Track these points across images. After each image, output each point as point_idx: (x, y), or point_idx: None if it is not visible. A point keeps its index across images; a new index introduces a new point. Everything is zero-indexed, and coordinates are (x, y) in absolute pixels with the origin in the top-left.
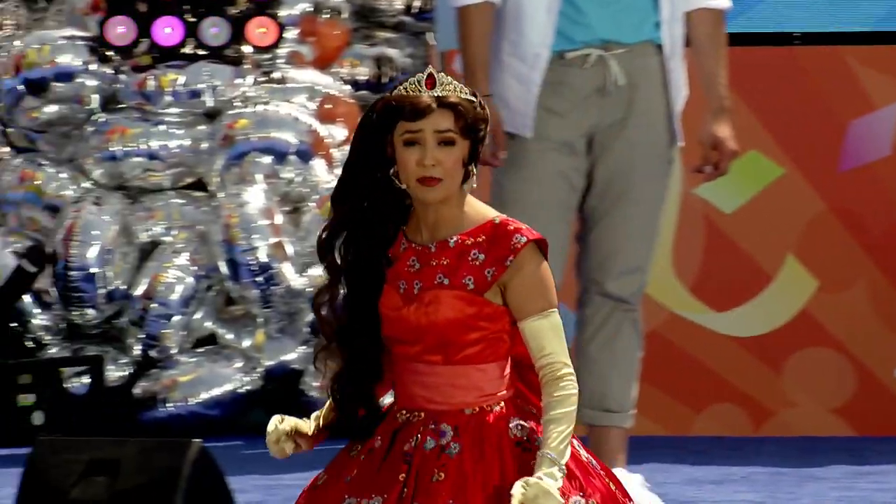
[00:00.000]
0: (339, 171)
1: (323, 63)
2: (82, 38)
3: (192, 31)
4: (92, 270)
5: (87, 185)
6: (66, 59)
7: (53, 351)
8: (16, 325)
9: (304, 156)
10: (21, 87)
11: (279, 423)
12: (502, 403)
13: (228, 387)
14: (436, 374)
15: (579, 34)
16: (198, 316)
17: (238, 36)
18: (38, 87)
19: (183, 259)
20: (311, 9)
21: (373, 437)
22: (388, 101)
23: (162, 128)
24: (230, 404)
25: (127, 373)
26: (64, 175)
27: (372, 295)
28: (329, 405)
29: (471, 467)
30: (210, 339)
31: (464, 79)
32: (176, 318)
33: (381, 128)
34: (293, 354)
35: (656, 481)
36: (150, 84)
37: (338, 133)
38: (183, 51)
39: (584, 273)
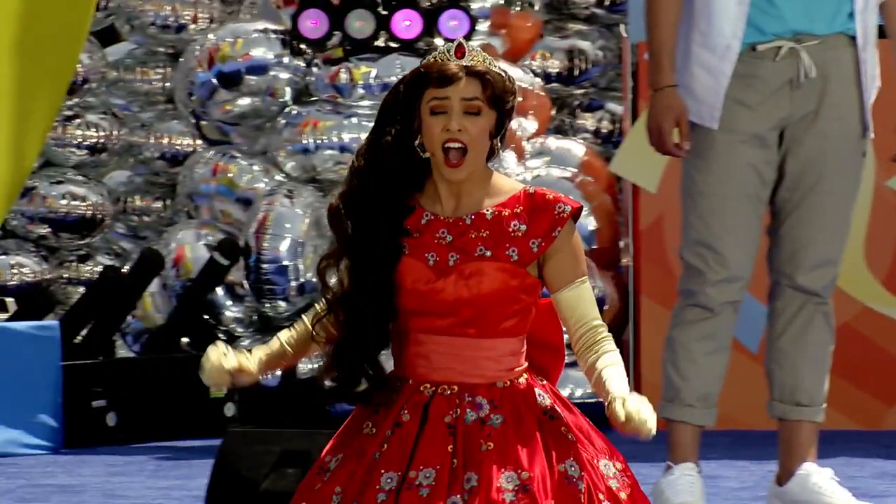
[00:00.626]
0: (530, 163)
1: (514, 55)
2: (275, 32)
3: (383, 24)
4: (284, 263)
5: (279, 177)
6: (259, 53)
7: (245, 343)
8: (208, 317)
9: None
10: (214, 81)
11: (223, 357)
12: (525, 375)
13: None
14: (470, 346)
15: (771, 26)
16: None
17: (430, 28)
18: (231, 81)
19: None
20: (503, 1)
21: (378, 406)
22: (417, 69)
23: (354, 120)
24: None
25: (317, 364)
26: (256, 168)
27: (386, 265)
28: (277, 349)
29: (514, 437)
30: None
31: (649, 67)
32: None
33: (409, 95)
34: None
35: (846, 475)
36: (342, 77)
37: (529, 125)
38: (375, 43)
39: (774, 266)
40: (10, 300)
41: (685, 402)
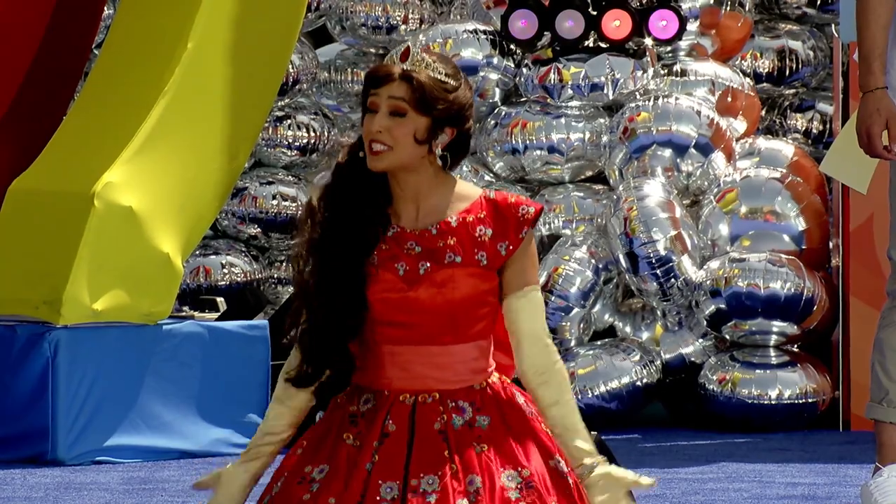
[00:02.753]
0: (739, 164)
1: (724, 55)
2: (485, 32)
3: (593, 24)
4: None
5: (488, 177)
6: (469, 53)
7: None
8: None
9: (705, 149)
10: None
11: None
12: (496, 374)
13: (626, 379)
14: (447, 353)
15: None
16: (596, 309)
17: (639, 29)
18: None
19: (582, 252)
20: (713, 1)
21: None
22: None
23: (562, 121)
24: (628, 397)
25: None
26: (466, 167)
27: (354, 265)
28: (247, 465)
29: (505, 436)
30: (608, 332)
31: (859, 69)
32: (575, 311)
33: (362, 98)
34: (691, 347)
35: None
36: (552, 77)
37: (738, 126)
38: (584, 44)
39: None
40: (220, 300)
41: (894, 403)
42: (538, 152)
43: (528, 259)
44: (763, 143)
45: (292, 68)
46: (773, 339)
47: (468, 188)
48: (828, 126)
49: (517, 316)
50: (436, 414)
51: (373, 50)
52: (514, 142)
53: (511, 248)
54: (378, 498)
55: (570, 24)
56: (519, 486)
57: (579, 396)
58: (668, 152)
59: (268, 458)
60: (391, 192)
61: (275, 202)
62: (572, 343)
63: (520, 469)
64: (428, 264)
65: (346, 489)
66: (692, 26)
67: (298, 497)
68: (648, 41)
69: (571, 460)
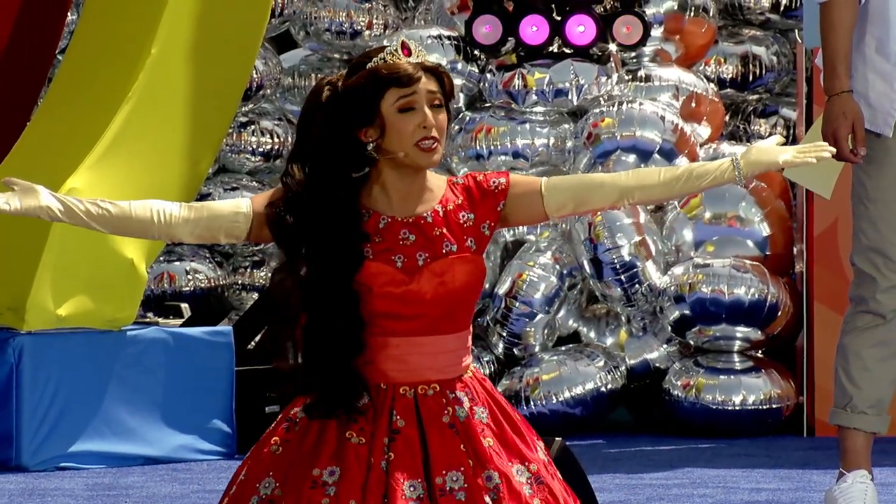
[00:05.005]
0: None
1: (688, 61)
2: (449, 38)
3: (557, 30)
4: None
5: None
6: (434, 58)
7: None
8: None
9: (669, 154)
10: None
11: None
12: (471, 360)
13: (590, 385)
14: (443, 343)
15: None
16: (561, 314)
17: (603, 34)
18: None
19: (546, 257)
20: (677, 7)
21: (361, 416)
22: (374, 71)
23: (527, 126)
24: (592, 403)
25: (490, 371)
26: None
27: (350, 273)
28: (83, 210)
29: (505, 428)
30: (573, 338)
31: (823, 72)
32: (539, 317)
33: (367, 99)
34: (655, 353)
35: None
36: (516, 83)
37: (702, 131)
38: (549, 49)
39: None
40: (184, 306)
41: (857, 409)
42: (502, 158)
43: (520, 185)
44: (727, 148)
45: (256, 74)
46: (738, 344)
47: (438, 177)
48: (791, 131)
49: (571, 194)
50: (440, 406)
51: (337, 55)
52: (478, 147)
53: (492, 224)
54: (404, 497)
55: (534, 29)
56: (529, 481)
57: (543, 402)
58: (632, 157)
59: (79, 217)
60: (380, 185)
61: None
62: (536, 349)
63: (527, 464)
64: (426, 254)
65: (366, 491)
66: (656, 32)
67: (317, 502)
68: (613, 47)
69: (718, 170)
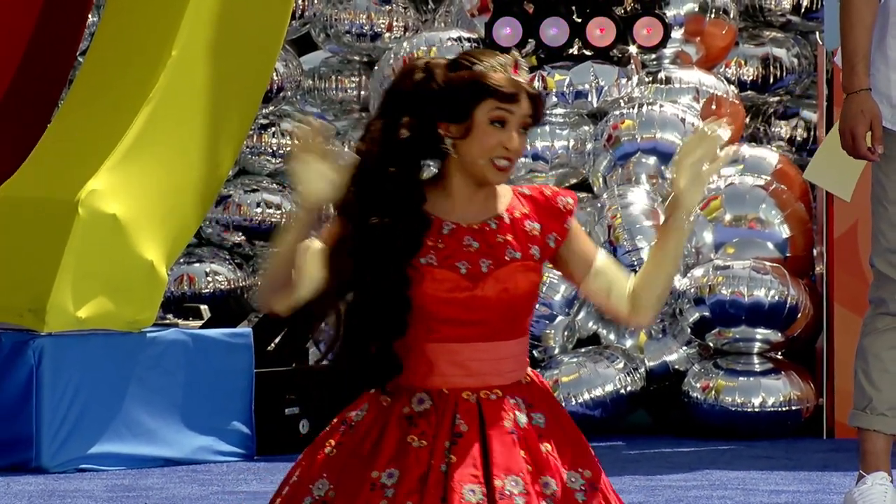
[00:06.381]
0: (723, 171)
1: (708, 63)
2: (469, 40)
3: (578, 32)
4: None
5: None
6: None
7: None
8: None
9: None
10: None
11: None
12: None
13: (610, 387)
14: (504, 348)
15: None
16: (580, 316)
17: (624, 36)
18: None
19: None
20: (698, 9)
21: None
22: (482, 75)
23: (547, 128)
24: (612, 404)
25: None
26: None
27: (405, 252)
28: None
29: (561, 435)
30: (592, 340)
31: (842, 71)
32: (559, 319)
33: (464, 99)
34: (675, 355)
35: None
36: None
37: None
38: (569, 51)
39: None
40: (203, 307)
41: (877, 410)
42: (522, 159)
43: (582, 237)
44: (747, 150)
45: (276, 76)
46: (757, 346)
47: (503, 186)
48: (812, 133)
49: (606, 273)
50: (503, 412)
51: (357, 57)
52: None
53: (559, 239)
54: (463, 500)
55: (554, 31)
56: (583, 488)
57: (563, 404)
58: (652, 160)
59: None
60: (444, 189)
61: (259, 210)
62: (556, 351)
63: (581, 470)
64: (490, 261)
65: (424, 494)
66: (677, 34)
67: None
68: (633, 49)
69: (673, 212)
